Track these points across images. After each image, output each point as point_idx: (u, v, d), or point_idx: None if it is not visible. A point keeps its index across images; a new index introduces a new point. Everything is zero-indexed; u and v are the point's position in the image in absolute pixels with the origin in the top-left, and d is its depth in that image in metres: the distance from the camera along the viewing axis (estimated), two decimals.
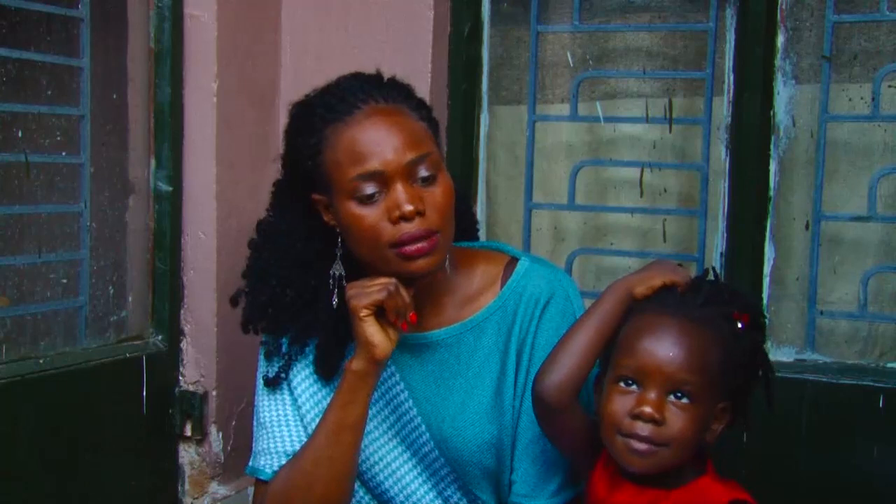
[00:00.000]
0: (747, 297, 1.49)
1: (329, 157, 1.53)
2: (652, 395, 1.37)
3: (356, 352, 1.54)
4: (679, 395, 1.37)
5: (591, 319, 1.47)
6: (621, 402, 1.39)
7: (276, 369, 1.71)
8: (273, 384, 1.71)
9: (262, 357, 1.74)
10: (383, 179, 1.50)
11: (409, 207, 1.49)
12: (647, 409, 1.36)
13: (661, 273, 1.48)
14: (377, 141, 1.51)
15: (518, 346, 1.62)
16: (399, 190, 1.50)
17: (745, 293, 1.49)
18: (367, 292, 1.51)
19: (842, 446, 2.14)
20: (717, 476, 1.44)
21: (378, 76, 1.63)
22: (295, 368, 1.72)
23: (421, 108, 1.60)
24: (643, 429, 1.36)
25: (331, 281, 1.61)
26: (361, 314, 1.50)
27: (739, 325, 1.42)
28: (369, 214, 1.51)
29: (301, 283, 1.65)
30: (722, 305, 1.43)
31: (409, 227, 1.50)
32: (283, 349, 1.71)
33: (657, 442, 1.36)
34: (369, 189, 1.51)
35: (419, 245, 1.51)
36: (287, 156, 1.65)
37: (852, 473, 2.13)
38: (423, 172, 1.52)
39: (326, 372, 1.68)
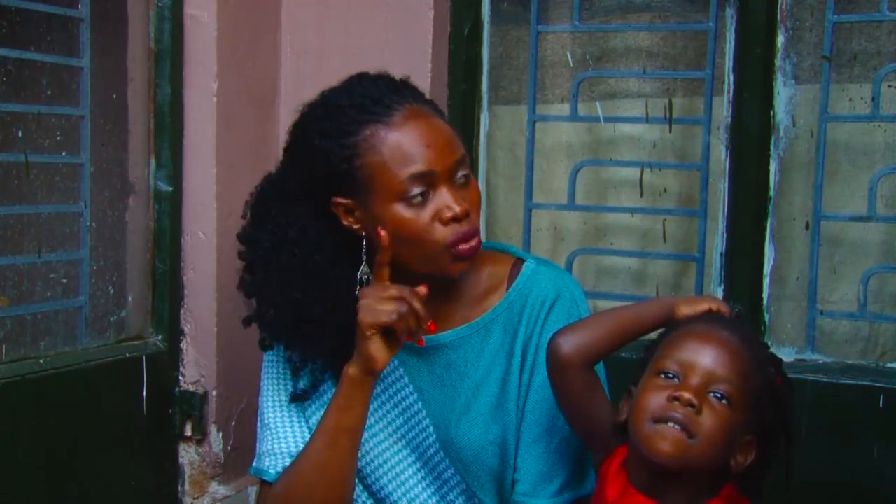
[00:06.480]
0: (781, 365, 1.51)
1: (371, 159, 1.51)
2: (693, 382, 1.37)
3: (354, 358, 1.52)
4: (718, 395, 1.37)
5: (628, 308, 1.54)
6: (659, 392, 1.38)
7: (306, 384, 1.68)
8: (301, 399, 1.68)
9: (288, 372, 1.69)
10: (431, 180, 1.51)
11: (459, 208, 1.51)
12: (687, 394, 1.36)
13: (709, 301, 1.52)
14: (424, 142, 1.51)
15: (523, 346, 1.62)
16: (447, 191, 1.52)
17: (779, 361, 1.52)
18: (378, 310, 1.47)
19: (842, 446, 2.14)
20: (732, 498, 1.42)
21: (392, 77, 1.61)
22: (302, 374, 1.69)
23: (441, 112, 1.62)
24: (679, 412, 1.35)
25: (358, 286, 1.58)
26: (367, 333, 1.48)
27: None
28: (418, 217, 1.51)
29: (323, 294, 1.60)
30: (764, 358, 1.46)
31: (461, 228, 1.52)
32: (308, 365, 1.67)
33: (689, 430, 1.35)
34: (417, 189, 1.51)
35: (472, 244, 1.54)
36: (305, 159, 1.58)
37: (852, 473, 2.13)
38: (461, 173, 1.55)
39: None
